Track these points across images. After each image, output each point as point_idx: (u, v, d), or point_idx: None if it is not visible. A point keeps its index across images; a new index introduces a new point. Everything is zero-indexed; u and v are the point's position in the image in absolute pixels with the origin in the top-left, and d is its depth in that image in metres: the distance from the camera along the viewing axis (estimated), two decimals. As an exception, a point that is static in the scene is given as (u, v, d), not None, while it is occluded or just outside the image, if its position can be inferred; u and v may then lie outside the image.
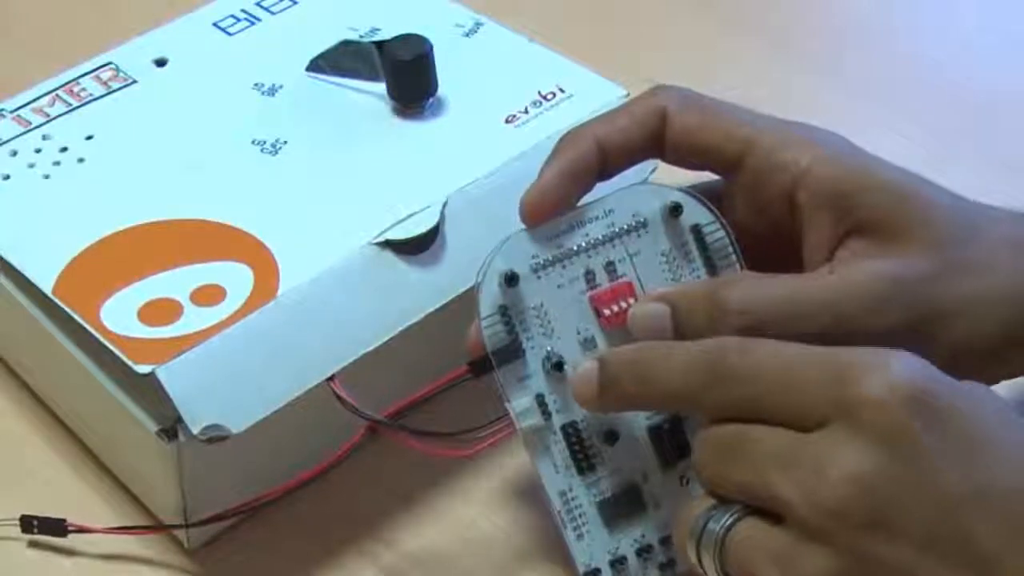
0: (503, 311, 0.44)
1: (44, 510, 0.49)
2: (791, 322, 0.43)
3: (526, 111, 0.53)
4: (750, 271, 0.46)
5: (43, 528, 0.48)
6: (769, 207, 0.46)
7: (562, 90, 0.54)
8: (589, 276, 0.45)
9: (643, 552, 0.45)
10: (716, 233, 0.46)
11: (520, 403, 0.44)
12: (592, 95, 0.53)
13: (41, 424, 0.53)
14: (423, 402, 0.46)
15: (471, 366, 0.44)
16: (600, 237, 0.45)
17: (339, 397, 0.46)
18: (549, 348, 0.44)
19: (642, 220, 0.45)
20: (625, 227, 0.45)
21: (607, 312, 0.45)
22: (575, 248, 0.45)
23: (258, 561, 0.49)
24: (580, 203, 0.46)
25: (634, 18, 0.71)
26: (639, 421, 0.45)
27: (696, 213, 0.46)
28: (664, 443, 0.45)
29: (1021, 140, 0.62)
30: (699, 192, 0.46)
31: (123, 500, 0.50)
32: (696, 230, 0.46)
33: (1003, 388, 0.52)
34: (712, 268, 0.46)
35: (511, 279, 0.44)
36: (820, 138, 0.46)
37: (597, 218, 0.45)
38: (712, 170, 0.47)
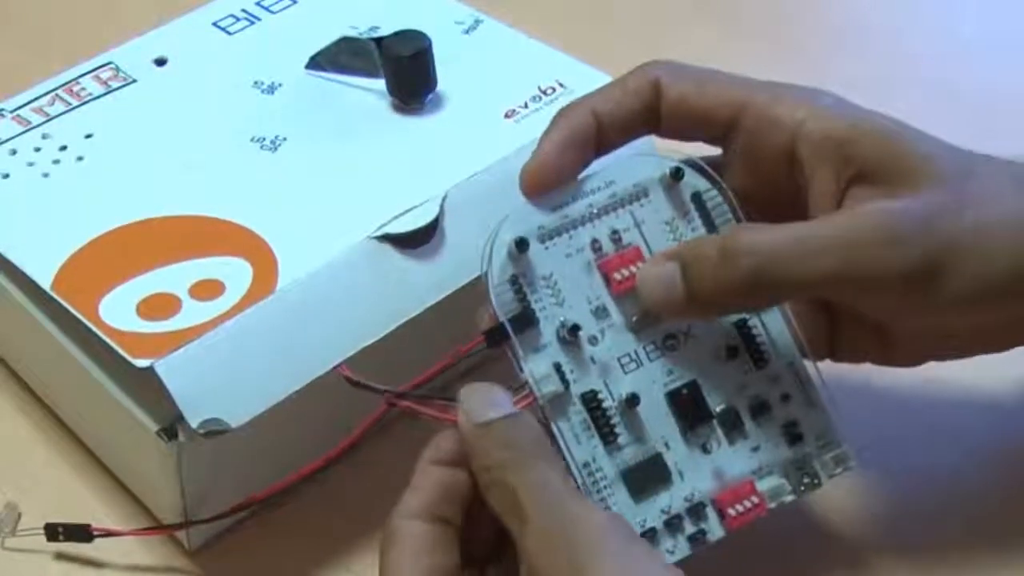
0: (513, 280, 0.44)
1: (45, 511, 0.49)
2: (800, 263, 0.43)
3: (525, 106, 0.53)
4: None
5: (68, 535, 0.48)
6: (768, 168, 0.46)
7: (562, 85, 0.54)
8: (596, 245, 0.45)
9: (672, 523, 0.45)
10: (716, 198, 0.46)
11: (539, 369, 0.44)
12: (591, 90, 0.53)
13: (40, 423, 0.53)
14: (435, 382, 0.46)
15: (487, 335, 0.44)
16: (604, 206, 0.45)
17: (351, 380, 0.45)
18: (562, 317, 0.44)
19: (643, 189, 0.46)
20: (628, 196, 0.45)
21: (617, 277, 0.45)
22: (580, 218, 0.45)
23: (259, 561, 0.49)
24: (581, 176, 0.46)
25: (634, 17, 0.71)
26: (658, 387, 0.45)
27: (696, 180, 0.46)
28: (684, 408, 0.45)
29: (1021, 140, 0.62)
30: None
31: (123, 500, 0.50)
32: (696, 197, 0.46)
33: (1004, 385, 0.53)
34: (715, 232, 0.46)
35: (521, 244, 0.44)
36: (812, 94, 0.46)
37: (599, 188, 0.45)
38: (708, 140, 0.47)
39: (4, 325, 0.53)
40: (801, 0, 0.73)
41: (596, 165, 0.46)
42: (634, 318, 0.45)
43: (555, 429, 0.43)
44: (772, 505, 0.45)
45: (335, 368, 0.46)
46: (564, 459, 0.43)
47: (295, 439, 0.49)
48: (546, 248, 0.44)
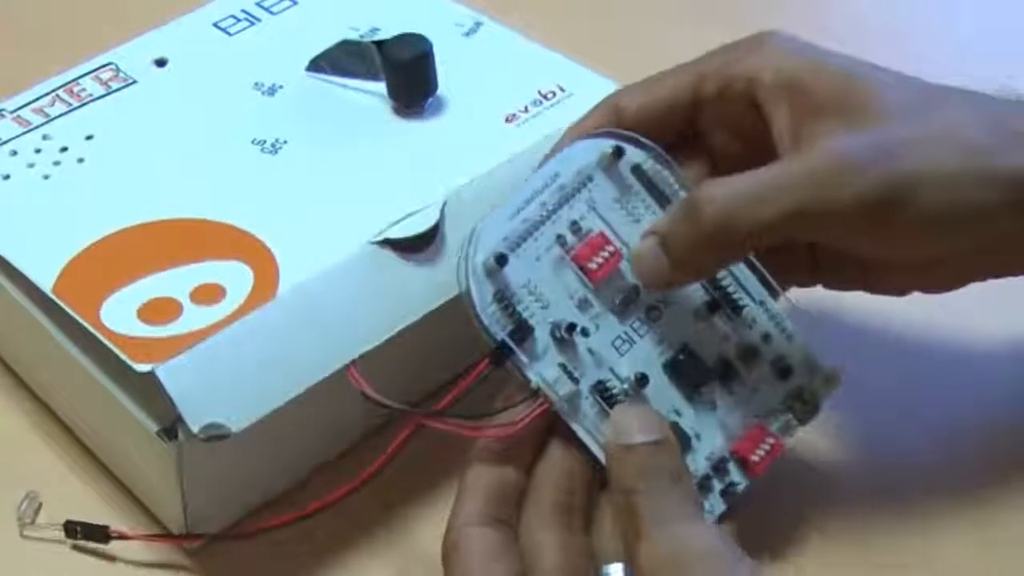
0: (498, 296, 0.44)
1: (48, 512, 0.49)
2: (760, 205, 0.43)
3: (526, 110, 0.53)
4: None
5: (86, 534, 0.49)
6: (742, 125, 0.47)
7: (562, 89, 0.54)
8: (560, 240, 0.46)
9: (703, 484, 0.46)
10: (656, 166, 0.47)
11: (550, 374, 0.44)
12: (592, 94, 0.53)
13: (39, 425, 0.53)
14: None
15: (491, 357, 0.44)
16: (556, 201, 0.46)
17: (376, 401, 0.45)
18: (552, 319, 0.45)
19: (587, 175, 0.46)
20: (575, 185, 0.46)
21: (592, 266, 0.45)
22: (538, 218, 0.45)
23: (259, 561, 0.49)
24: (527, 177, 0.46)
25: (634, 18, 0.71)
26: (653, 359, 0.46)
27: (633, 154, 0.47)
28: (683, 372, 0.46)
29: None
30: None
31: (125, 502, 0.50)
32: (637, 169, 0.47)
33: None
34: (665, 200, 0.47)
35: (500, 259, 0.44)
36: (762, 40, 0.48)
37: (547, 185, 0.46)
38: (681, 131, 0.48)
39: (3, 325, 0.53)
40: (801, 0, 0.74)
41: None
42: (615, 301, 0.46)
43: (575, 428, 0.44)
44: (788, 440, 0.47)
45: (360, 392, 0.45)
46: (589, 454, 0.44)
47: (296, 441, 0.49)
48: (517, 256, 0.45)
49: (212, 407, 0.45)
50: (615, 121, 0.48)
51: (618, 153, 0.46)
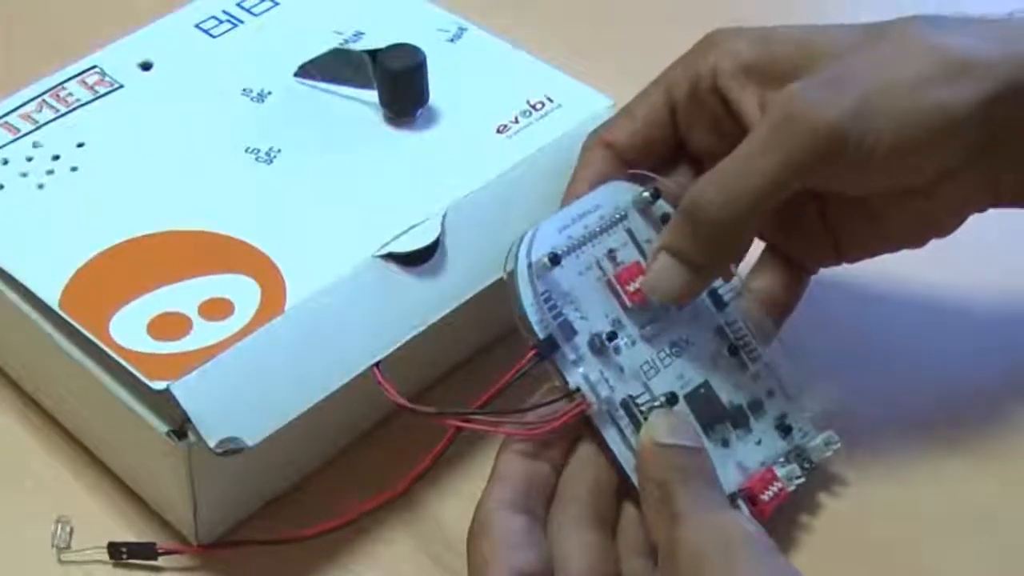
0: (546, 296, 0.46)
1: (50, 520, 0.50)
2: (746, 183, 0.45)
3: (516, 121, 0.55)
4: None
5: (133, 554, 0.49)
6: (719, 121, 0.49)
7: (550, 99, 0.55)
8: (599, 263, 0.48)
9: None
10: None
11: (593, 375, 0.46)
12: (580, 105, 0.55)
13: (45, 434, 0.53)
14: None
15: (538, 349, 0.46)
16: (598, 227, 0.48)
17: (411, 409, 0.46)
18: (592, 329, 0.47)
19: (623, 212, 0.49)
20: (614, 218, 0.49)
21: (630, 288, 0.48)
22: (581, 238, 0.48)
23: (262, 561, 0.50)
24: (572, 203, 0.49)
25: (634, 16, 0.72)
26: (677, 389, 0.48)
27: (666, 206, 0.49)
28: (702, 407, 0.48)
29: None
30: None
31: (135, 510, 0.51)
32: (666, 218, 0.49)
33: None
34: None
35: (554, 259, 0.46)
36: (714, 36, 0.49)
37: (589, 212, 0.48)
38: (670, 145, 0.51)
39: (6, 336, 0.53)
40: (802, 1, 0.75)
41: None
42: (644, 328, 0.48)
43: (605, 433, 0.46)
44: (792, 488, 0.49)
45: (397, 405, 0.47)
46: (616, 462, 0.46)
47: (304, 443, 0.50)
48: (562, 266, 0.47)
49: (227, 422, 0.46)
50: (615, 157, 0.50)
51: (650, 198, 0.49)
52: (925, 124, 0.45)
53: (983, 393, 0.55)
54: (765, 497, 0.48)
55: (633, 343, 0.48)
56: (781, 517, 0.49)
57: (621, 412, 0.46)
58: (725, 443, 0.48)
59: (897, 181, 0.47)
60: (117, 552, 0.49)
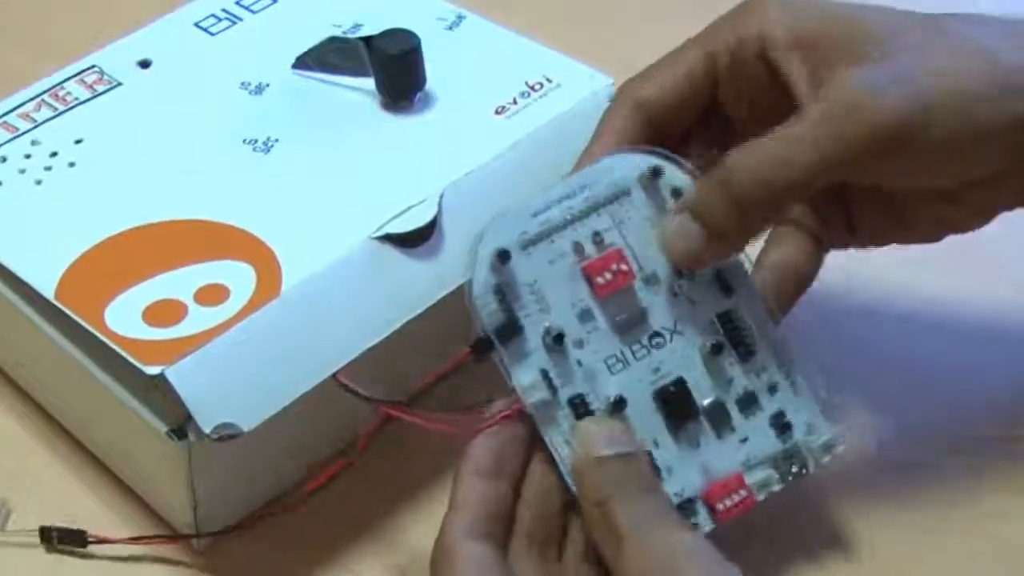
0: (496, 290, 0.45)
1: (52, 518, 0.49)
2: (786, 164, 0.44)
3: (515, 102, 0.54)
4: None
5: (63, 539, 0.49)
6: (759, 89, 0.48)
7: (549, 80, 0.55)
8: (578, 248, 0.46)
9: None
10: None
11: (526, 378, 0.44)
12: (579, 84, 0.54)
13: (43, 431, 0.53)
14: (428, 390, 0.47)
15: (473, 348, 0.45)
16: (583, 210, 0.46)
17: (346, 387, 0.46)
18: (547, 323, 0.45)
19: (623, 189, 0.46)
20: (606, 197, 0.46)
21: (600, 281, 0.45)
22: (560, 223, 0.45)
23: (261, 562, 0.49)
24: (556, 182, 0.46)
25: (633, 14, 0.72)
26: (644, 386, 0.46)
27: (674, 176, 0.46)
28: (672, 405, 0.46)
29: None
30: None
31: (133, 506, 0.51)
32: (677, 192, 0.46)
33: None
34: None
35: (503, 255, 0.44)
36: (761, 4, 0.48)
37: (575, 193, 0.46)
38: (705, 108, 0.49)
39: (4, 332, 0.53)
40: None
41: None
42: (618, 319, 0.46)
43: (544, 436, 0.44)
44: (760, 497, 0.46)
45: (332, 376, 0.46)
46: (555, 464, 0.44)
47: (304, 437, 0.49)
48: (529, 255, 0.45)
49: (222, 407, 0.45)
50: (644, 118, 0.48)
51: (656, 172, 0.46)
52: (984, 130, 0.45)
53: (995, 405, 0.54)
54: (721, 506, 0.45)
55: (600, 335, 0.45)
56: (782, 517, 0.48)
57: (567, 411, 0.45)
58: (696, 444, 0.46)
59: (938, 183, 0.46)
60: (48, 536, 0.49)
